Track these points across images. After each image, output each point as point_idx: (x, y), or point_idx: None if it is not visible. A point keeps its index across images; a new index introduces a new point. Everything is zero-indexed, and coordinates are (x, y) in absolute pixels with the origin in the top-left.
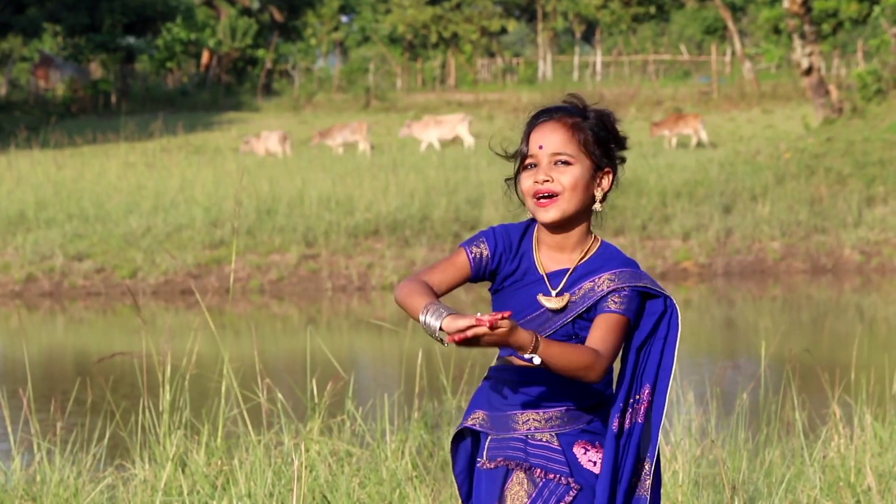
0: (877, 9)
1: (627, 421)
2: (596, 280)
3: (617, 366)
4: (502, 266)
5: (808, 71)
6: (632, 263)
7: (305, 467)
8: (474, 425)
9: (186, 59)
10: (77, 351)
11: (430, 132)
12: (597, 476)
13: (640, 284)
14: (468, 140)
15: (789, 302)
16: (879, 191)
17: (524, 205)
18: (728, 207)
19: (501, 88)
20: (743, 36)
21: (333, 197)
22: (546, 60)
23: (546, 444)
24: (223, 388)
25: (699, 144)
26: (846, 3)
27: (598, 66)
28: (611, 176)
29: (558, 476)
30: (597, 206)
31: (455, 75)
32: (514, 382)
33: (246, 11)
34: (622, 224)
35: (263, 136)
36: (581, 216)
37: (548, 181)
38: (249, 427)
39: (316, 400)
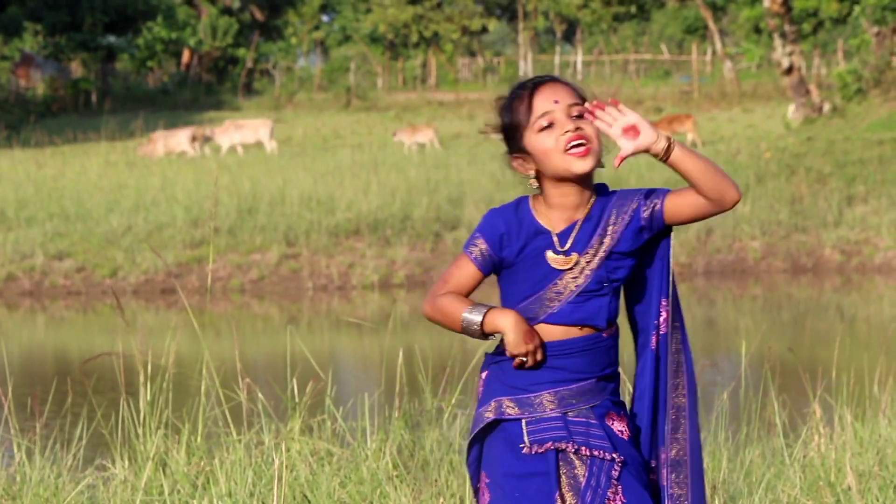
0: (857, 8)
1: (654, 338)
2: (606, 224)
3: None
4: (506, 245)
5: (789, 70)
6: (620, 190)
7: (286, 467)
8: (504, 415)
9: (167, 58)
10: (57, 350)
11: (229, 136)
12: (630, 445)
13: (644, 189)
14: (270, 145)
15: (770, 301)
16: (860, 190)
17: (538, 174)
18: None
19: (482, 88)
20: (723, 35)
21: (314, 196)
22: (527, 60)
23: (584, 420)
24: (203, 388)
25: (692, 144)
26: (826, 2)
27: (579, 66)
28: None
29: (602, 451)
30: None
31: (436, 74)
32: (546, 360)
33: (227, 10)
34: None
35: (160, 134)
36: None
37: (579, 129)
38: (232, 426)
39: (296, 399)
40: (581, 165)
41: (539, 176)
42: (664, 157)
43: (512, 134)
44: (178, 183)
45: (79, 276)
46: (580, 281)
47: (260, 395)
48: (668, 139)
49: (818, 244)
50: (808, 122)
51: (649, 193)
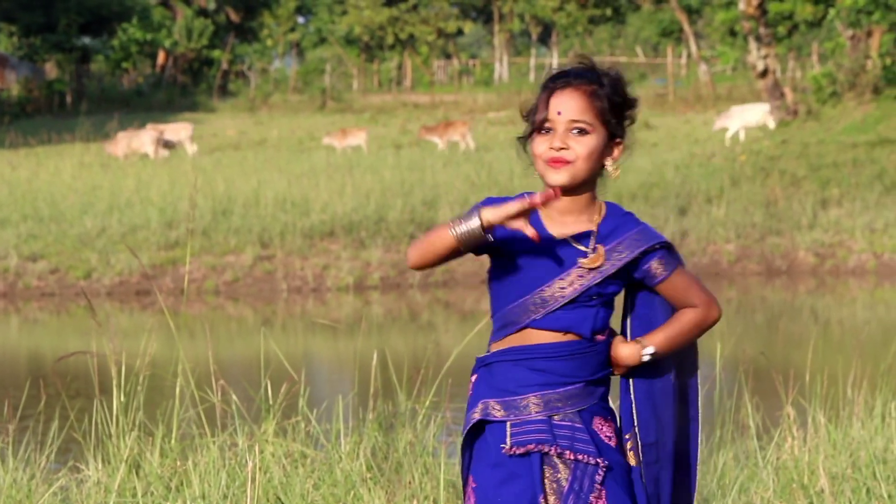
0: (832, 11)
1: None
2: (619, 243)
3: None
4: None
5: (764, 73)
6: (641, 223)
7: (259, 469)
8: (489, 416)
9: (142, 59)
10: (31, 352)
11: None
12: (616, 451)
13: (664, 241)
14: (191, 149)
15: (744, 304)
16: (834, 193)
17: (533, 165)
18: (683, 209)
19: (458, 90)
20: (699, 38)
21: (289, 198)
22: (502, 62)
23: (570, 423)
24: (177, 389)
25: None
26: (801, 5)
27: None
28: (621, 147)
29: (587, 456)
30: (612, 172)
31: (411, 77)
32: (527, 363)
33: (202, 12)
34: None
35: (123, 135)
36: (589, 183)
37: (564, 148)
38: (206, 428)
39: (270, 401)
40: (554, 178)
41: None
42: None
43: (529, 122)
44: (153, 184)
45: (53, 278)
46: (568, 292)
47: (234, 396)
48: (641, 352)
49: (792, 247)
50: (782, 125)
51: (664, 257)
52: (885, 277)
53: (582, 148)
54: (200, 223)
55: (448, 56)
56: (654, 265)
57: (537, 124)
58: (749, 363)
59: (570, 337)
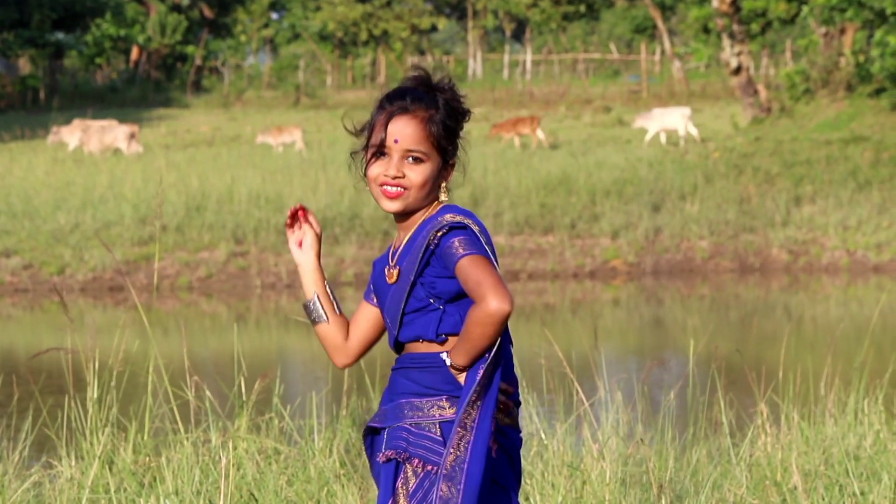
0: (805, 9)
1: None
2: (421, 244)
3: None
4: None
5: (737, 70)
6: (454, 209)
7: (233, 465)
8: (373, 423)
9: (116, 55)
10: (4, 348)
11: (78, 136)
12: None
13: (460, 223)
14: (132, 149)
15: (717, 301)
16: (807, 190)
17: (365, 182)
18: (657, 206)
19: None
20: (672, 35)
21: (263, 194)
22: (476, 58)
23: (428, 433)
24: (150, 386)
25: (539, 146)
26: (775, 2)
27: (528, 65)
28: (453, 168)
29: (436, 467)
30: (443, 196)
31: (385, 73)
32: (406, 372)
33: (176, 8)
34: (551, 222)
35: (78, 124)
36: (422, 205)
37: (398, 177)
38: (180, 424)
39: (244, 397)
40: (387, 205)
41: None
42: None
43: (362, 137)
44: (126, 180)
45: (26, 274)
46: (399, 297)
47: (207, 392)
48: (451, 366)
49: (766, 244)
50: (756, 122)
51: (464, 239)
52: (858, 275)
53: (417, 176)
54: (174, 219)
55: (422, 52)
56: (455, 243)
57: (374, 147)
58: (722, 360)
59: (427, 347)
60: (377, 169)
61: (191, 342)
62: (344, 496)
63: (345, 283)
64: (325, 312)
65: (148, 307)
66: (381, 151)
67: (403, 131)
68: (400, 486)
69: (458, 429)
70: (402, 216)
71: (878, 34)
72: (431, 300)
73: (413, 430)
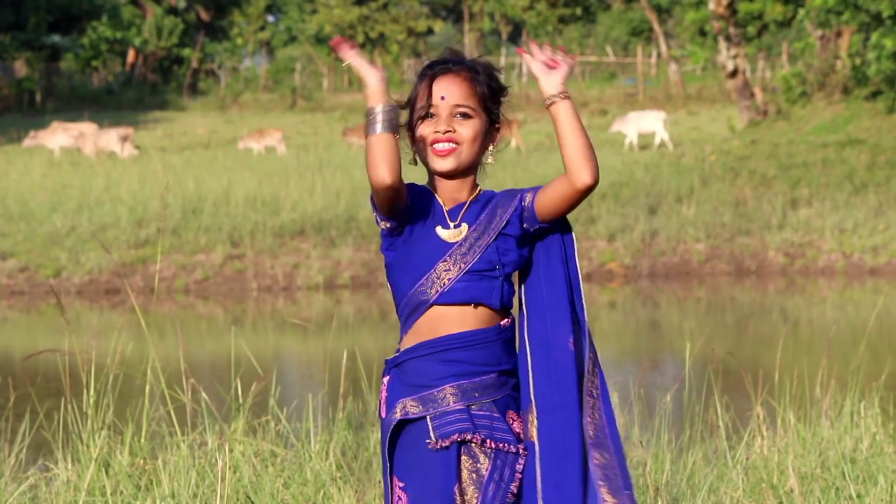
0: (801, 11)
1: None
2: (494, 206)
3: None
4: (413, 203)
5: (734, 73)
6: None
7: (229, 468)
8: (408, 415)
9: (112, 57)
10: (0, 351)
11: (56, 139)
12: (531, 443)
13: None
14: (126, 151)
15: (713, 304)
16: (803, 193)
17: (416, 153)
18: (653, 209)
19: None
20: (669, 38)
21: (259, 197)
22: None
23: (488, 413)
24: (147, 389)
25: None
26: (771, 5)
27: (524, 68)
28: (499, 133)
29: (507, 444)
30: (489, 158)
31: None
32: (444, 354)
33: (172, 10)
34: None
35: (57, 125)
36: (473, 167)
37: (450, 131)
38: (177, 427)
39: (240, 400)
40: (440, 164)
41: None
42: (549, 103)
43: (410, 109)
44: (123, 183)
45: (22, 276)
46: (469, 257)
47: (204, 395)
48: (566, 95)
49: (762, 247)
50: (752, 124)
51: (531, 190)
52: (855, 277)
53: (467, 131)
54: (170, 222)
55: (418, 55)
56: (527, 195)
57: (421, 111)
58: (718, 363)
59: (480, 316)
60: (427, 129)
61: (187, 345)
62: (340, 499)
63: (341, 286)
64: (387, 124)
65: (145, 310)
66: (428, 114)
67: (449, 88)
68: (467, 469)
69: (588, 398)
70: (454, 176)
71: (874, 37)
72: (496, 266)
73: (473, 411)
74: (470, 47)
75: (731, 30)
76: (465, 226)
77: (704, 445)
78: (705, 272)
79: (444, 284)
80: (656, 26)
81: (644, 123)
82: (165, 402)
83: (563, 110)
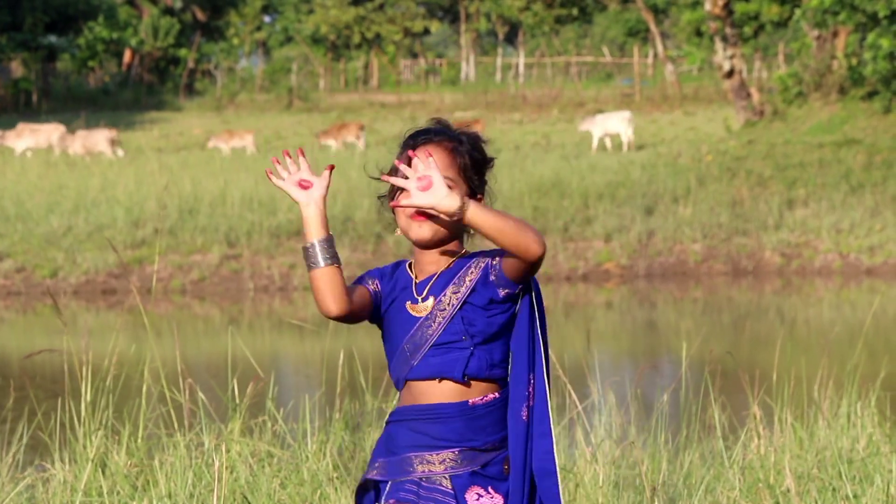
0: (798, 12)
1: (524, 410)
2: (463, 275)
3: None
4: (383, 287)
5: (730, 73)
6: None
7: (226, 468)
8: (374, 475)
9: (108, 58)
10: None
11: (24, 141)
12: None
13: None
14: (60, 148)
15: (710, 304)
16: (800, 193)
17: (395, 222)
18: (650, 209)
19: (424, 89)
20: (665, 38)
21: (256, 197)
22: (469, 62)
23: (438, 486)
24: (144, 389)
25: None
26: (767, 5)
27: (521, 68)
28: (481, 202)
29: None
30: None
31: (378, 76)
32: (411, 424)
33: (168, 11)
34: (544, 226)
35: (24, 126)
36: (452, 237)
37: None
38: (175, 426)
39: (237, 400)
40: (417, 232)
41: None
42: (457, 218)
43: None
44: (119, 184)
45: (19, 277)
46: (432, 329)
47: (201, 395)
48: (465, 202)
49: (758, 247)
50: (748, 125)
51: (496, 254)
52: (851, 277)
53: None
54: (167, 222)
55: (415, 55)
56: (496, 259)
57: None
58: (715, 363)
59: (446, 391)
60: (406, 199)
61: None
62: (337, 499)
63: None
64: (327, 258)
65: (141, 310)
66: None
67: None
68: None
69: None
70: (432, 245)
71: (870, 37)
72: (464, 337)
73: (423, 483)
74: (466, 49)
75: (728, 30)
76: (431, 299)
77: (701, 445)
78: (702, 272)
79: (413, 361)
80: (653, 27)
81: (610, 124)
82: (163, 402)
83: (475, 216)
